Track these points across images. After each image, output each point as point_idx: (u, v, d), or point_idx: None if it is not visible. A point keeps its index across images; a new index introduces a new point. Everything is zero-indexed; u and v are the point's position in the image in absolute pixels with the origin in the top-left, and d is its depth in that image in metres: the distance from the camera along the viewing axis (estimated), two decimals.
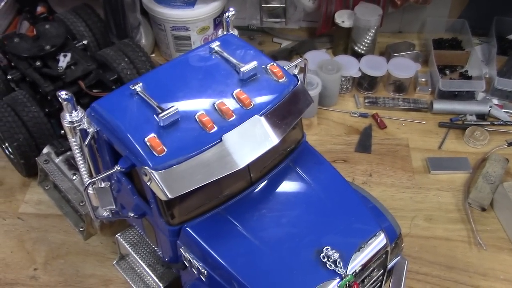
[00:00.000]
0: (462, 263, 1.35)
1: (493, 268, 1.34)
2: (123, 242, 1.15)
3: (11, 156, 1.51)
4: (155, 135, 0.87)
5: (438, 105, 1.70)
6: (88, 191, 0.96)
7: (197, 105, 0.93)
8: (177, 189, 0.86)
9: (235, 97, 0.94)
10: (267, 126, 0.92)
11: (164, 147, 0.87)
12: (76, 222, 1.32)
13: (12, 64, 1.56)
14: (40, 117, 1.42)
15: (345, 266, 0.90)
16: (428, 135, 1.67)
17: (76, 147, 1.00)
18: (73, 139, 0.98)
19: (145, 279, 1.15)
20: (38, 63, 1.51)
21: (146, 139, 0.87)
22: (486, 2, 1.83)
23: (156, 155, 0.86)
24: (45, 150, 1.38)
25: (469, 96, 1.73)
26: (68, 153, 1.36)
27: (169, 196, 0.85)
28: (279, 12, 1.71)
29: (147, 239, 1.11)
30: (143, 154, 0.86)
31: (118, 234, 1.17)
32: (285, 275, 0.90)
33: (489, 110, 1.68)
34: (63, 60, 1.51)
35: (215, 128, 0.90)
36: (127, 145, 0.88)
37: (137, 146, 0.87)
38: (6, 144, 1.51)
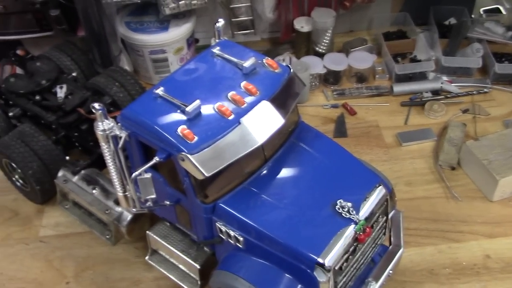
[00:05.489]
0: (444, 215, 1.55)
1: (471, 214, 1.55)
2: (154, 236, 1.29)
3: (23, 186, 1.61)
4: (185, 126, 1.03)
5: (398, 88, 1.93)
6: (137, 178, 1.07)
7: (213, 99, 1.09)
8: (211, 167, 1.01)
9: (243, 88, 1.11)
10: (273, 108, 1.10)
11: (194, 135, 1.02)
12: (102, 231, 1.44)
13: (11, 102, 1.68)
14: (48, 144, 1.53)
15: (357, 213, 1.08)
16: (394, 114, 1.88)
17: (108, 153, 1.14)
18: (106, 146, 1.12)
19: (180, 266, 1.29)
20: (37, 97, 1.64)
21: (178, 130, 1.03)
22: None
23: (189, 142, 1.02)
24: (60, 173, 1.49)
25: (422, 76, 1.96)
26: (83, 171, 1.48)
27: (206, 175, 1.01)
28: (247, 24, 1.90)
29: (179, 226, 1.25)
30: (177, 143, 1.02)
31: (148, 230, 1.30)
32: (309, 228, 1.07)
33: (441, 86, 1.91)
34: (61, 92, 1.64)
35: (233, 115, 1.07)
36: (162, 139, 1.04)
37: (171, 138, 1.03)
38: (16, 176, 1.62)
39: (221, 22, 1.27)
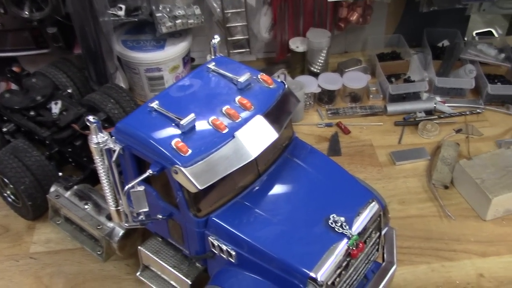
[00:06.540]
0: (437, 233, 1.55)
1: (464, 233, 1.55)
2: (146, 251, 1.28)
3: (15, 202, 1.59)
4: (179, 139, 1.03)
5: (391, 108, 1.94)
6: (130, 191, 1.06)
7: (208, 113, 1.10)
8: (204, 180, 1.01)
9: (237, 102, 1.12)
10: (267, 123, 1.11)
11: (188, 148, 1.02)
12: (93, 247, 1.43)
13: (5, 118, 1.68)
14: (42, 160, 1.53)
15: (350, 228, 1.08)
16: (387, 134, 1.89)
17: (101, 166, 1.13)
18: (99, 159, 1.12)
19: (171, 282, 1.27)
20: (32, 113, 1.64)
21: (172, 143, 1.03)
22: (415, 17, 2.11)
23: (183, 155, 1.02)
24: (52, 188, 1.48)
25: (416, 96, 1.98)
26: (75, 187, 1.47)
27: (199, 188, 1.01)
28: (243, 43, 1.93)
29: (171, 240, 1.24)
30: (171, 156, 1.02)
31: (140, 246, 1.29)
32: (302, 242, 1.06)
33: (435, 106, 1.93)
34: (56, 108, 1.64)
35: (227, 129, 1.07)
36: (156, 152, 1.04)
37: (165, 151, 1.03)
38: (8, 192, 1.60)
39: (217, 39, 1.28)
